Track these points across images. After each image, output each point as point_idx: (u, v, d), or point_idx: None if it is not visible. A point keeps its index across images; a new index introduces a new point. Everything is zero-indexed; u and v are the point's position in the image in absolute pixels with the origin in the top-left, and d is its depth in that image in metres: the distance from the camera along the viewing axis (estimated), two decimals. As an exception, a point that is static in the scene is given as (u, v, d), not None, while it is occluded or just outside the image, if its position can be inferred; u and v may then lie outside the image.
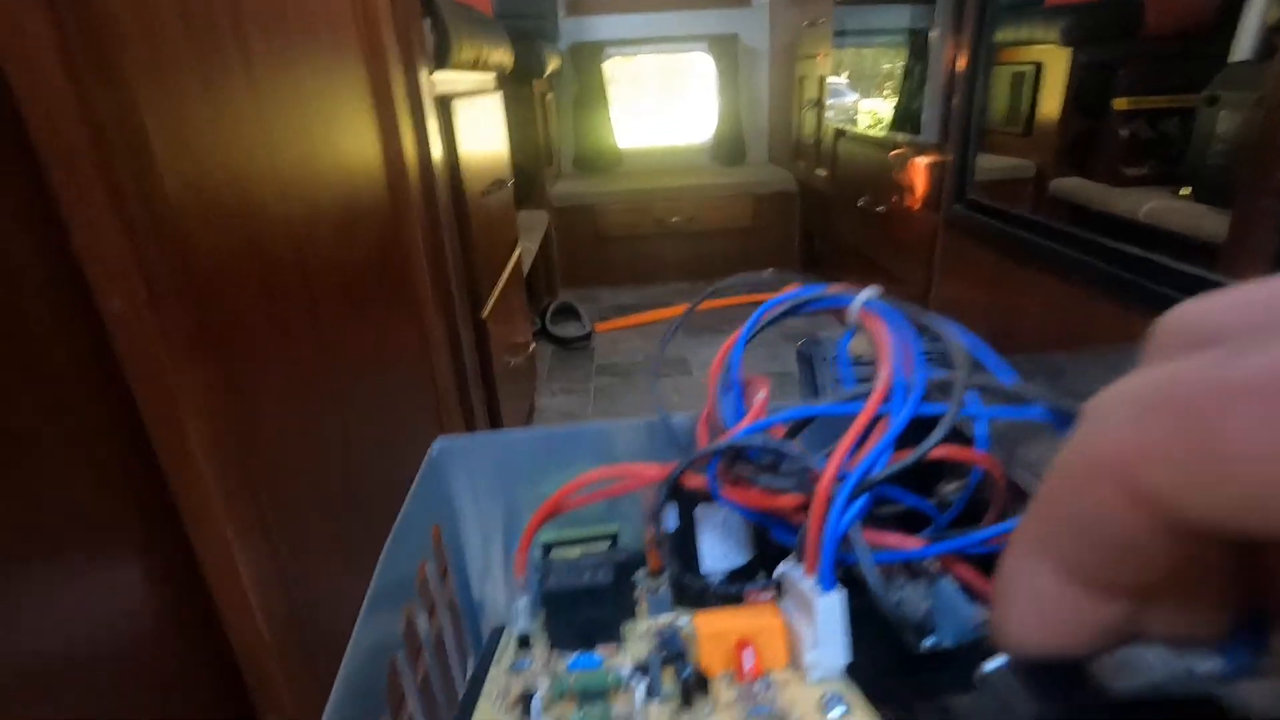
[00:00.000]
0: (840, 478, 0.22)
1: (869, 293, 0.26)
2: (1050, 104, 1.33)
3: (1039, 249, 1.00)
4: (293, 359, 0.54)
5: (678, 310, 1.95)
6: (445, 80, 0.98)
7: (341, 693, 0.18)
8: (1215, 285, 0.67)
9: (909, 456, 0.22)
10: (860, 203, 1.66)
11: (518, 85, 1.87)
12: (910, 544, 0.23)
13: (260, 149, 0.51)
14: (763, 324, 0.27)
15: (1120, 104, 1.23)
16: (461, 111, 0.98)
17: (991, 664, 0.15)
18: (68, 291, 0.36)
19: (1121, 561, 0.10)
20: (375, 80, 0.73)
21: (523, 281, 1.46)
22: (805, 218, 2.27)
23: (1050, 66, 1.32)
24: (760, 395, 0.26)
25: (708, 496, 0.27)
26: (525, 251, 1.54)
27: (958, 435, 0.27)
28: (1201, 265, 0.72)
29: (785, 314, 0.27)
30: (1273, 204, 0.69)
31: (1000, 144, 1.42)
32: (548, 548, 0.29)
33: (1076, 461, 0.10)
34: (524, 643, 0.25)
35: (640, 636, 0.25)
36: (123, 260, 0.36)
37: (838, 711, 0.19)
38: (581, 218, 2.22)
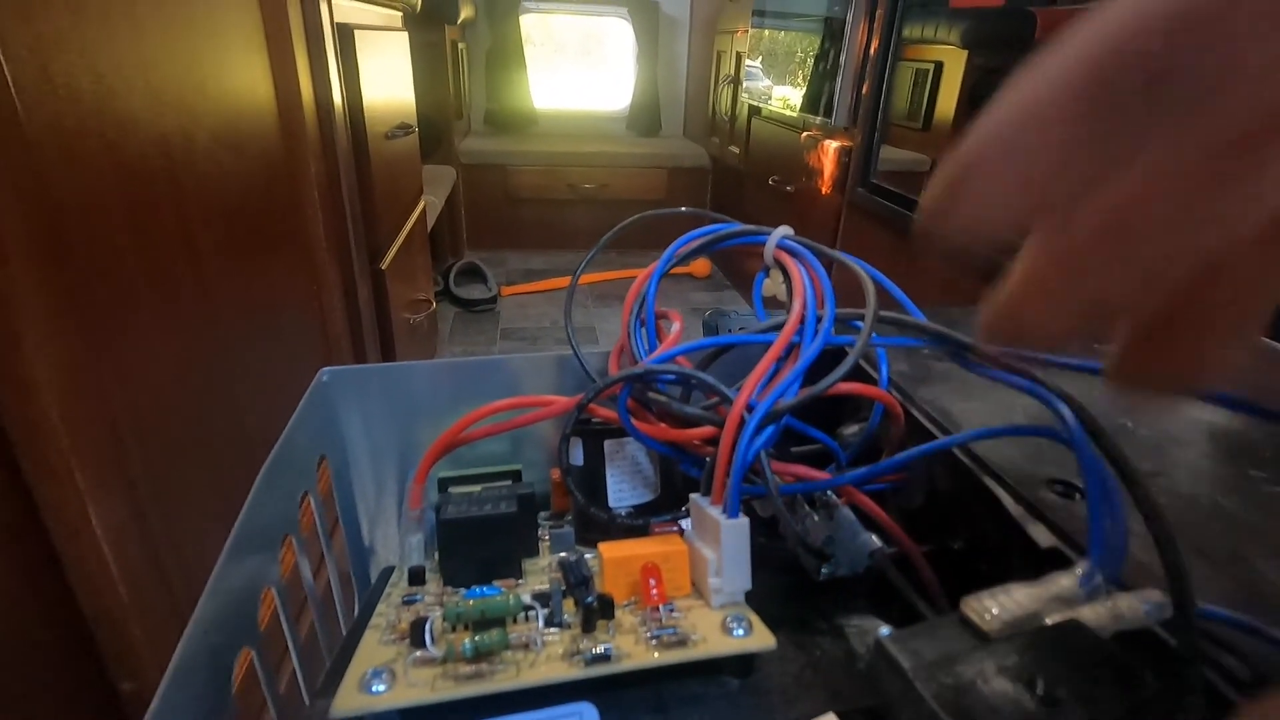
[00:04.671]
0: (749, 408, 0.22)
1: (783, 231, 0.26)
2: (947, 102, 1.40)
3: (932, 234, 1.06)
4: (164, 291, 0.48)
5: (588, 278, 1.93)
6: (347, 8, 0.90)
7: (201, 620, 0.16)
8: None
9: (818, 385, 0.22)
10: (770, 181, 1.70)
11: (428, 30, 1.77)
12: (816, 475, 0.23)
13: (131, 56, 0.45)
14: (679, 256, 0.27)
15: (1008, 108, 1.32)
16: (364, 45, 0.91)
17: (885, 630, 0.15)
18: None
19: None
20: (266, -5, 0.66)
21: (426, 236, 1.39)
22: (717, 193, 2.30)
23: (949, 66, 1.39)
24: (675, 327, 0.26)
25: (616, 432, 0.26)
26: (430, 206, 1.47)
27: (864, 376, 0.27)
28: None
29: (701, 249, 0.27)
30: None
31: (900, 137, 1.48)
32: (445, 485, 0.28)
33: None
34: (416, 578, 0.23)
35: (541, 571, 0.24)
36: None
37: (740, 632, 0.19)
38: (491, 177, 2.14)
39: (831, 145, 1.39)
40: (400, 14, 1.28)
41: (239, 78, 0.62)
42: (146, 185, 0.47)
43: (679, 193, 2.28)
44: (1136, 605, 0.16)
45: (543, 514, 0.30)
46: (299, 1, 0.72)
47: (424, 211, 1.34)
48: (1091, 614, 0.16)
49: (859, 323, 0.24)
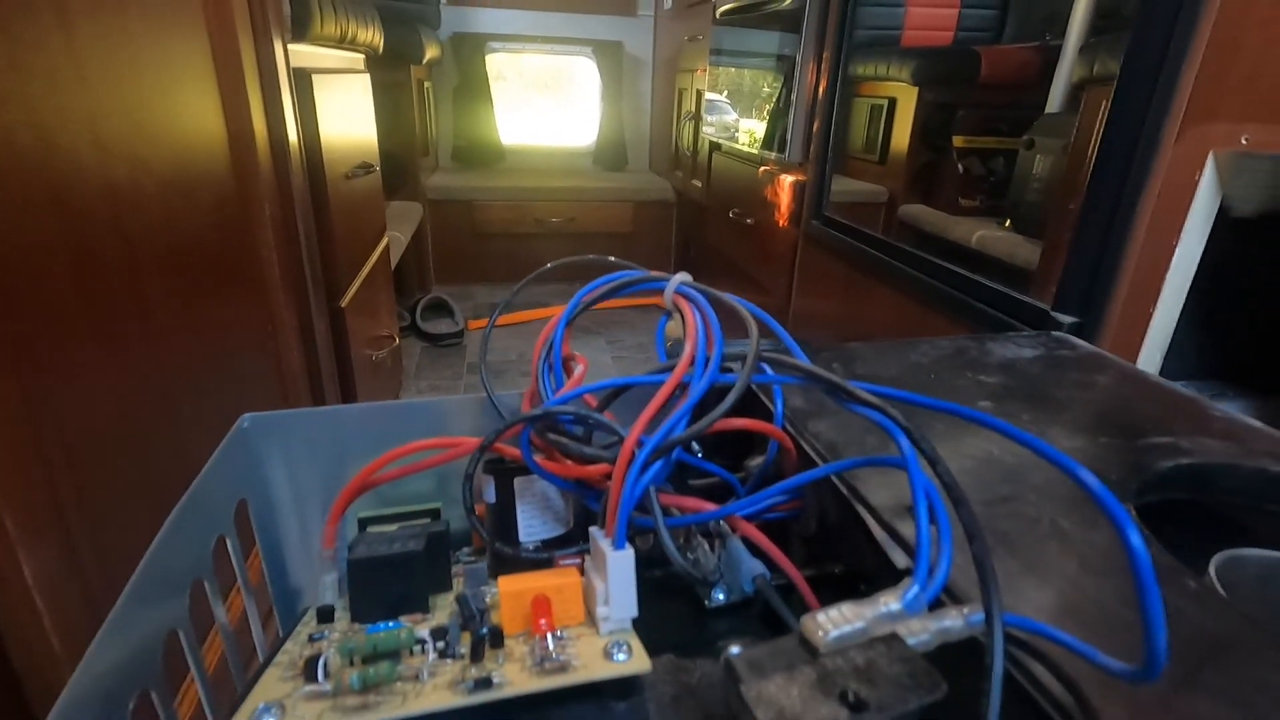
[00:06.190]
0: (640, 444, 0.23)
1: (680, 278, 0.28)
2: (901, 136, 1.46)
3: (882, 265, 1.10)
4: (109, 338, 0.49)
5: (554, 310, 1.95)
6: (305, 54, 0.92)
7: (90, 666, 0.17)
8: (1030, 308, 0.76)
9: (701, 423, 0.23)
10: (731, 214, 1.74)
11: (393, 70, 1.80)
12: (704, 507, 0.24)
13: (78, 109, 0.47)
14: (584, 304, 0.28)
15: (958, 141, 1.38)
16: (323, 88, 0.93)
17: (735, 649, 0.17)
18: None
19: None
20: (219, 45, 0.67)
21: (390, 273, 1.40)
22: (682, 225, 2.34)
23: (902, 102, 1.45)
24: (579, 369, 0.27)
25: (526, 469, 0.27)
26: (394, 242, 1.48)
27: (763, 411, 0.29)
28: (1018, 289, 0.82)
29: (606, 295, 0.29)
30: (1074, 238, 0.79)
31: (859, 170, 1.54)
32: (364, 524, 0.29)
33: None
34: (325, 616, 0.24)
35: (449, 605, 0.25)
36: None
37: (621, 657, 0.20)
38: (458, 212, 2.16)
39: (787, 180, 1.43)
40: (363, 56, 1.30)
41: (191, 125, 0.64)
42: (92, 234, 0.48)
43: (645, 225, 2.32)
44: (958, 618, 0.17)
45: (465, 549, 0.31)
46: (253, 47, 0.74)
47: (387, 248, 1.36)
48: (919, 625, 0.17)
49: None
